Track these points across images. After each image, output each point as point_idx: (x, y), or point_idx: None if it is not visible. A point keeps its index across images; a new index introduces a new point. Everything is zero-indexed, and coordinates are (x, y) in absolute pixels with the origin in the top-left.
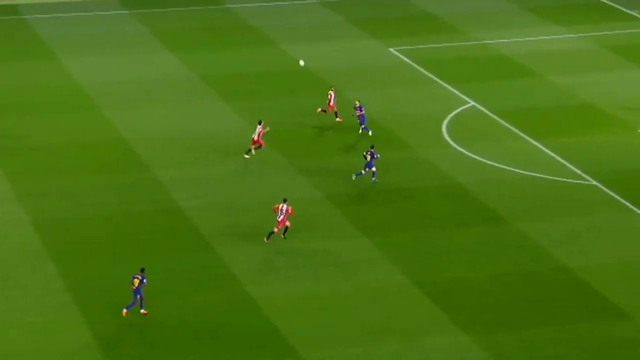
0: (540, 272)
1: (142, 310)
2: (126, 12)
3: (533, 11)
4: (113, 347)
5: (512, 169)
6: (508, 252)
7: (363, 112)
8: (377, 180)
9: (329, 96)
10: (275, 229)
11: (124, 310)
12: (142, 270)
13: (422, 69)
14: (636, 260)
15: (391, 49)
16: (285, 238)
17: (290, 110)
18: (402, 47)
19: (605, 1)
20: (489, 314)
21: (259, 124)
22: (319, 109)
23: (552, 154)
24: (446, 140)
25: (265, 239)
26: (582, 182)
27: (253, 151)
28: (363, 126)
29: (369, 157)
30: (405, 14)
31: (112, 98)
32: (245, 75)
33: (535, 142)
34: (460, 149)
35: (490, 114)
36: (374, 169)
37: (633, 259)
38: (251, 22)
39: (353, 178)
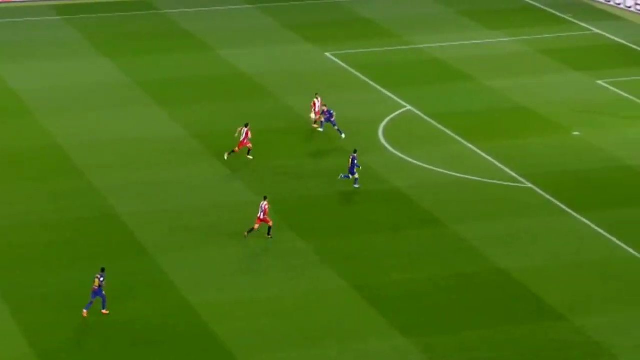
0: (477, 275)
1: (103, 311)
2: (60, 18)
3: (467, 15)
4: (50, 357)
5: (448, 172)
6: (445, 255)
7: (333, 117)
8: (340, 179)
9: (313, 104)
10: (255, 226)
11: (84, 311)
12: (103, 270)
13: (358, 73)
14: (571, 262)
15: (327, 54)
16: (271, 237)
17: (227, 114)
18: (338, 52)
19: (539, 5)
20: (427, 317)
21: (245, 127)
22: (315, 125)
23: (488, 157)
24: (382, 144)
25: (245, 234)
26: (518, 184)
27: (249, 155)
28: (336, 128)
29: (350, 162)
30: (341, 18)
31: (47, 104)
32: (180, 80)
33: (470, 145)
34: (397, 153)
35: (426, 118)
36: (356, 175)
37: (568, 261)
38: (186, 27)
39: (341, 178)
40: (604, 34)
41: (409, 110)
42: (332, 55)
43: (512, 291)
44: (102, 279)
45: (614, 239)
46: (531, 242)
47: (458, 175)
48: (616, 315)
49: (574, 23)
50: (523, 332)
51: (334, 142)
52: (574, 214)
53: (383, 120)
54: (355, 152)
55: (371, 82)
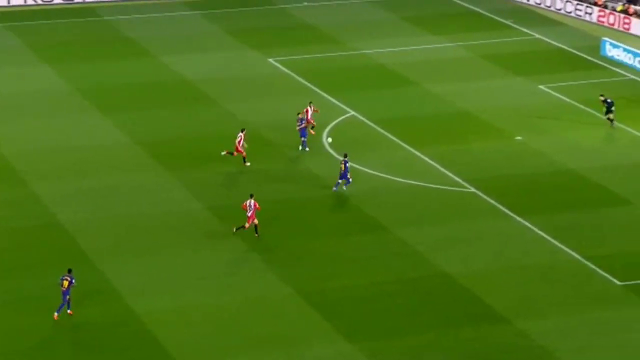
0: (422, 279)
1: (68, 311)
2: (0, 25)
3: (410, 21)
4: None
5: (392, 177)
6: (390, 260)
7: (303, 125)
8: (345, 189)
9: (306, 111)
10: (246, 224)
11: (55, 314)
12: (70, 271)
13: (301, 79)
14: (515, 265)
15: (270, 60)
16: (258, 236)
17: (171, 121)
18: (281, 58)
19: (481, 11)
20: (372, 322)
21: (241, 131)
22: (311, 131)
23: (431, 162)
24: (327, 150)
25: (234, 229)
26: (461, 189)
27: (247, 162)
28: (303, 139)
29: (342, 167)
30: (284, 24)
31: None
32: (123, 87)
33: (414, 151)
34: (341, 159)
35: (370, 123)
36: (350, 179)
37: (512, 265)
38: (129, 34)
39: (333, 190)
40: (545, 39)
41: (353, 116)
42: (276, 61)
43: (456, 295)
44: (70, 280)
45: (556, 243)
46: (475, 246)
47: (402, 180)
48: (560, 318)
49: (515, 28)
50: (468, 336)
51: (276, 148)
52: (517, 217)
53: (327, 126)
54: (345, 156)
55: (315, 88)
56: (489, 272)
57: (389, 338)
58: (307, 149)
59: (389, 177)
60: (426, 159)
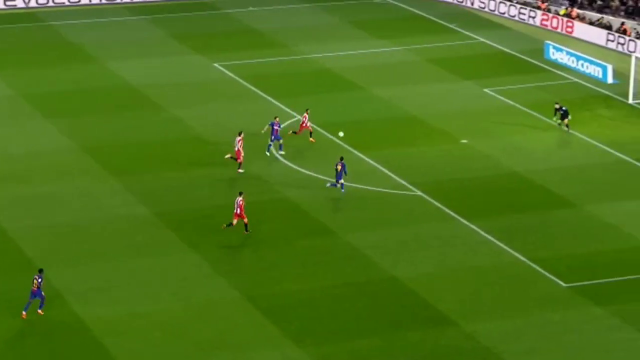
0: (369, 283)
1: (39, 310)
2: None
3: (355, 25)
4: None
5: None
6: (337, 264)
7: (279, 128)
8: (343, 192)
9: (304, 118)
10: (234, 221)
11: (23, 313)
12: (41, 271)
13: (247, 84)
14: (461, 267)
15: (216, 65)
16: (248, 232)
17: (116, 127)
18: (227, 63)
19: (426, 15)
20: (320, 326)
21: (239, 135)
22: (311, 139)
23: (378, 165)
24: (273, 155)
25: (223, 226)
26: (407, 192)
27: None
28: (271, 141)
29: (339, 168)
30: (229, 29)
31: None
32: (68, 92)
33: (361, 155)
34: (288, 163)
35: (316, 127)
36: (342, 181)
37: (458, 267)
38: (73, 39)
39: (327, 186)
40: (489, 42)
41: (299, 120)
42: (221, 66)
43: (403, 298)
44: (40, 280)
45: (502, 245)
46: (421, 249)
47: (349, 184)
48: (506, 320)
49: (460, 32)
50: (415, 339)
51: (223, 153)
52: (463, 220)
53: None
54: (342, 159)
55: (261, 93)
56: (436, 275)
57: (336, 342)
58: (282, 152)
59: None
60: (373, 162)
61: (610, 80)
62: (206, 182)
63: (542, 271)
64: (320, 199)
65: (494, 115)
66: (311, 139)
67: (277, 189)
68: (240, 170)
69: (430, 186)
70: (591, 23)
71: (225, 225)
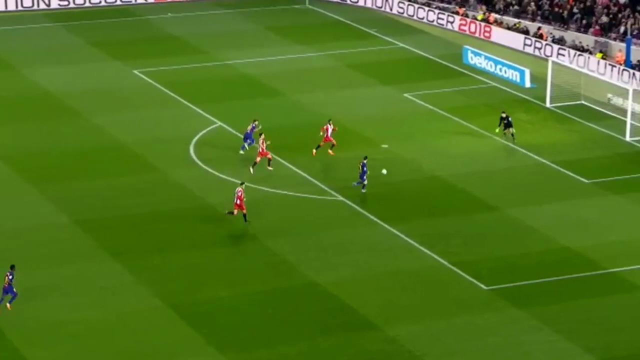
0: (292, 289)
1: (8, 305)
2: None
3: (275, 31)
4: None
5: (260, 187)
6: (260, 270)
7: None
8: (364, 191)
9: (326, 128)
10: (235, 211)
11: (8, 305)
12: (12, 267)
13: (167, 90)
14: (382, 272)
15: (135, 71)
16: (247, 222)
17: (34, 136)
18: (147, 69)
19: (345, 20)
20: (243, 333)
21: (260, 135)
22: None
23: (298, 171)
24: (194, 161)
25: (225, 212)
26: (329, 197)
27: (269, 166)
28: (247, 143)
29: (361, 169)
30: (148, 35)
31: None
32: None
33: (282, 160)
34: (209, 170)
35: (237, 134)
36: (365, 182)
37: (381, 272)
38: None
39: (353, 185)
40: (408, 47)
41: (220, 127)
42: (141, 72)
43: (326, 303)
44: (11, 277)
45: (424, 249)
46: (343, 254)
47: (270, 190)
48: (428, 323)
49: (379, 37)
50: (338, 343)
51: (144, 160)
52: (384, 225)
53: (194, 137)
54: (365, 158)
55: (181, 99)
56: (358, 280)
57: (260, 348)
58: (242, 151)
59: (257, 187)
60: (293, 168)
61: (527, 84)
62: (127, 190)
63: (463, 274)
64: None
65: (414, 120)
66: (330, 151)
67: (199, 195)
68: (270, 168)
69: (352, 191)
70: (509, 28)
71: (226, 212)
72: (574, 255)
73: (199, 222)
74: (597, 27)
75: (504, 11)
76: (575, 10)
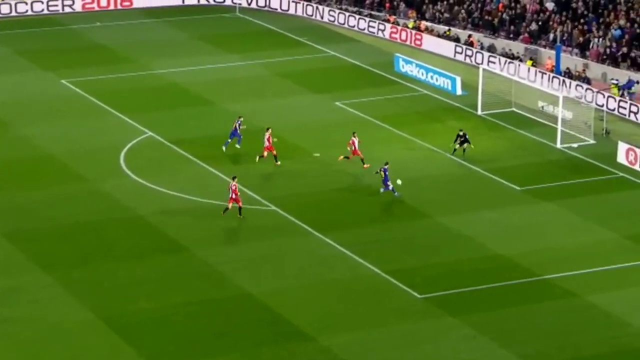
0: (225, 300)
1: None
2: None
3: (204, 39)
4: None
5: (191, 197)
6: (192, 281)
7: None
8: (400, 194)
9: (352, 142)
10: (229, 205)
11: None
12: None
13: (96, 100)
14: (316, 281)
15: (63, 81)
16: (241, 216)
17: None
18: (75, 79)
19: (275, 28)
20: (175, 345)
21: (267, 130)
22: (341, 157)
23: (231, 181)
24: (124, 172)
25: (222, 213)
26: (262, 207)
27: (275, 161)
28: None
29: (383, 174)
30: (77, 45)
31: None
32: None
33: (213, 170)
34: (140, 180)
35: (168, 143)
36: (390, 186)
37: (314, 281)
38: None
39: (381, 192)
40: (339, 56)
41: (150, 136)
42: (69, 82)
43: (260, 315)
44: None
45: (357, 258)
46: (277, 264)
47: (202, 200)
48: (362, 333)
49: (310, 46)
50: (271, 355)
51: (71, 170)
52: (317, 234)
53: (124, 147)
54: (386, 164)
55: (110, 109)
56: (291, 290)
57: None
58: (224, 148)
59: (188, 197)
60: (225, 177)
61: (459, 92)
62: (57, 201)
63: (397, 283)
64: (173, 215)
65: (346, 129)
66: (365, 165)
67: (129, 206)
68: (278, 163)
69: (284, 200)
70: (439, 36)
71: (223, 212)
72: (506, 263)
73: (130, 233)
74: (526, 35)
75: (435, 19)
76: (505, 17)
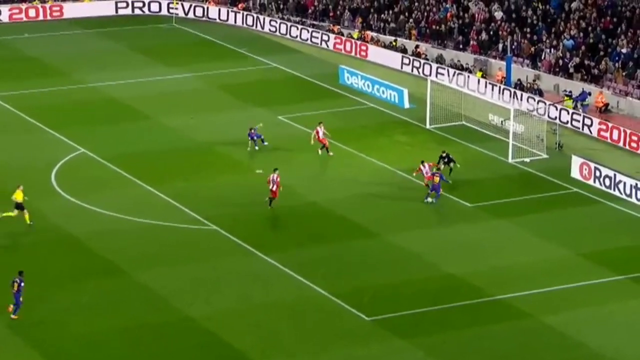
0: (164, 324)
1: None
2: None
3: (141, 51)
4: None
5: (128, 217)
6: (130, 305)
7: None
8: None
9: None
10: (274, 196)
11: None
12: (20, 273)
13: (25, 116)
14: (259, 304)
15: None
16: (271, 207)
17: None
18: (3, 93)
19: (214, 39)
20: None
21: (319, 125)
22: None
23: (169, 199)
24: (56, 190)
25: (268, 206)
26: (202, 227)
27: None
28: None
29: (437, 179)
30: (3, 57)
31: None
32: None
33: (150, 188)
34: (72, 199)
35: (102, 161)
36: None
37: (256, 303)
38: None
39: (431, 202)
40: (282, 67)
41: (83, 153)
42: None
43: (201, 339)
44: (21, 283)
45: (302, 279)
46: (218, 287)
47: (139, 220)
48: (307, 356)
49: (251, 57)
50: None
51: (3, 189)
52: (260, 254)
53: (55, 165)
54: (439, 169)
55: (40, 125)
56: (234, 313)
57: None
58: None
59: (125, 217)
60: (163, 196)
61: (406, 105)
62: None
63: (344, 305)
64: (109, 235)
65: (290, 143)
66: (330, 153)
67: (61, 226)
68: (331, 154)
69: (226, 219)
70: (385, 46)
71: (267, 201)
72: (458, 282)
73: (64, 255)
74: (475, 44)
75: (381, 29)
76: (453, 26)
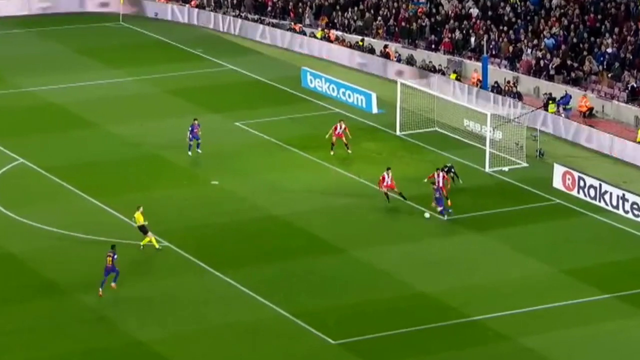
0: (112, 349)
1: (113, 284)
2: None
3: (85, 53)
4: None
5: (71, 232)
6: (73, 328)
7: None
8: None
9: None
10: (396, 189)
11: (100, 290)
12: (113, 247)
13: None
14: (214, 325)
15: None
16: (388, 202)
17: None
18: None
19: (166, 40)
20: None
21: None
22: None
23: (116, 214)
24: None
25: (402, 199)
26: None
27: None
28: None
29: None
30: None
31: None
32: None
33: (95, 201)
34: (10, 214)
35: (43, 172)
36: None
37: (211, 325)
38: None
39: (445, 218)
40: (239, 70)
41: (22, 164)
42: None
43: None
44: (115, 256)
45: (261, 299)
46: (170, 307)
47: (83, 236)
48: None
49: (206, 59)
50: None
51: None
52: (216, 272)
53: None
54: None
55: None
56: (187, 336)
57: None
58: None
59: (68, 233)
60: (111, 210)
61: (375, 109)
62: None
63: (307, 327)
64: (49, 253)
65: (248, 152)
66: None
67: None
68: (349, 151)
69: (179, 235)
70: (351, 46)
71: (402, 197)
72: (430, 302)
73: (0, 274)
74: (447, 40)
75: (346, 28)
76: (424, 24)
